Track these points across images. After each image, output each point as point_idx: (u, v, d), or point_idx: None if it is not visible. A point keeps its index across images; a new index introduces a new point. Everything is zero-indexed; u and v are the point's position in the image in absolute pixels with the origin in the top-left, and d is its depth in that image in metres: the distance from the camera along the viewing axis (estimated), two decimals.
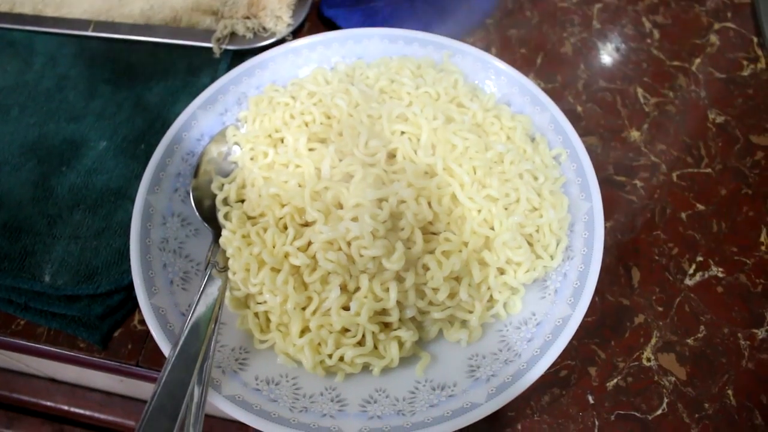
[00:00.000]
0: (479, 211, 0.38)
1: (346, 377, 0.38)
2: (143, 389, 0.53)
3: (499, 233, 0.38)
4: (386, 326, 0.38)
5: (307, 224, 0.40)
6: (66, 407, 0.52)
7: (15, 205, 0.45)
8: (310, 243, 0.38)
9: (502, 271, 0.39)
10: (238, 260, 0.39)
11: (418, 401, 0.36)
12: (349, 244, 0.38)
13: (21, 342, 0.42)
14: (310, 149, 0.42)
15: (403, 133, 0.41)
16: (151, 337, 0.41)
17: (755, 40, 0.55)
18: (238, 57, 0.51)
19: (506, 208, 0.39)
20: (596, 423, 0.39)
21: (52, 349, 0.42)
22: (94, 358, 0.41)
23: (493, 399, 0.35)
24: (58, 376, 0.55)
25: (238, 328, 0.39)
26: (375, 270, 0.37)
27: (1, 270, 0.42)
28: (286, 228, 0.39)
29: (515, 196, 0.39)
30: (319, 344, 0.37)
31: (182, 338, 0.35)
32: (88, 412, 0.52)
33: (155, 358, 0.41)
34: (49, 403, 0.53)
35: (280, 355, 0.38)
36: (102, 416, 0.52)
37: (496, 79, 0.47)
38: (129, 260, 0.41)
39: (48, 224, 0.44)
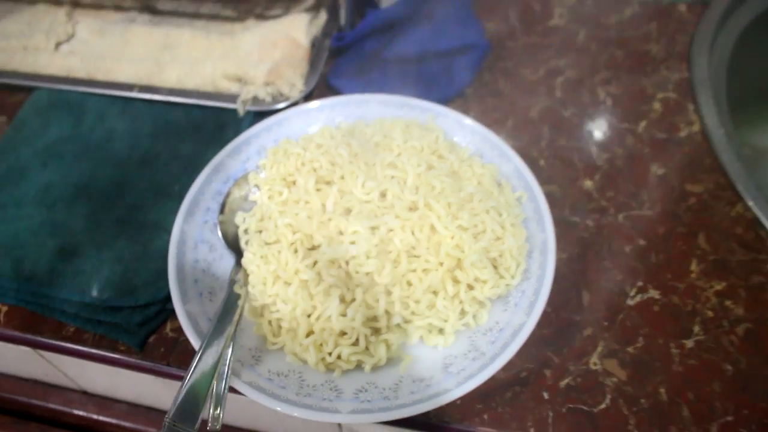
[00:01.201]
0: (452, 237, 0.47)
1: (343, 373, 0.45)
2: (164, 400, 0.61)
3: (468, 255, 0.47)
4: (376, 331, 0.46)
5: (313, 248, 0.48)
6: (96, 416, 0.60)
7: (69, 234, 0.54)
8: (315, 262, 0.47)
9: (471, 287, 0.47)
10: (257, 276, 0.48)
11: (401, 390, 0.44)
12: (347, 262, 0.47)
13: (70, 345, 0.50)
14: (317, 189, 0.51)
15: (393, 177, 0.50)
16: (180, 341, 0.50)
17: (691, 107, 0.65)
18: (258, 116, 0.60)
19: (475, 237, 0.48)
20: (550, 414, 0.46)
21: (96, 351, 0.50)
22: (132, 359, 0.49)
23: (461, 386, 0.42)
24: (90, 388, 0.63)
25: (255, 333, 0.47)
26: (368, 284, 0.46)
27: (56, 285, 0.51)
28: (296, 251, 0.48)
29: (482, 227, 0.48)
30: (321, 344, 0.45)
31: (209, 335, 0.43)
32: (114, 421, 0.60)
33: (183, 359, 0.49)
34: (81, 413, 0.60)
35: (288, 354, 0.46)
36: (128, 424, 0.59)
37: (471, 137, 0.56)
38: (164, 279, 0.50)
39: (96, 249, 0.53)
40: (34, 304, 0.51)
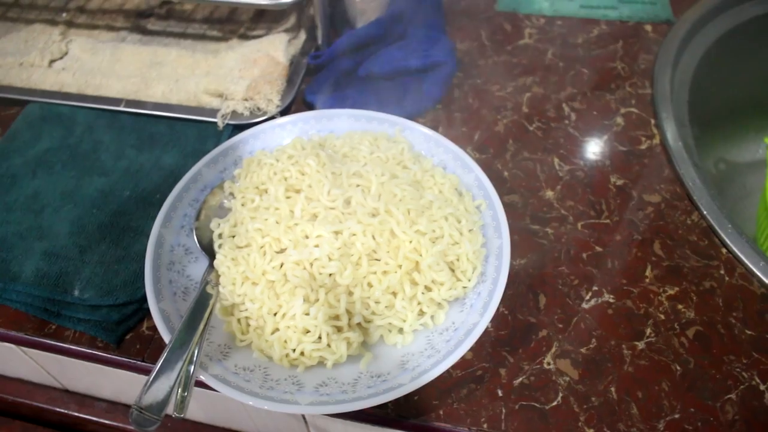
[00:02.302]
0: (410, 241, 0.50)
1: (306, 368, 0.48)
2: None
3: (425, 258, 0.49)
4: (338, 329, 0.49)
5: (281, 251, 0.51)
6: (77, 414, 0.62)
7: (54, 237, 0.57)
8: (282, 264, 0.50)
9: (429, 289, 0.50)
10: (227, 276, 0.51)
11: (359, 385, 0.46)
12: (311, 264, 0.49)
13: (52, 342, 0.53)
14: (287, 197, 0.54)
15: (357, 185, 0.53)
16: (155, 339, 0.53)
17: (652, 121, 0.68)
18: (237, 129, 0.64)
19: (433, 241, 0.51)
20: (503, 411, 0.48)
21: (76, 347, 0.53)
22: (109, 355, 0.52)
23: (414, 380, 0.45)
24: (71, 387, 0.66)
25: (224, 330, 0.50)
26: (330, 285, 0.49)
27: (40, 285, 0.53)
28: (265, 254, 0.51)
29: (440, 232, 0.51)
30: (286, 341, 0.48)
31: (180, 327, 0.46)
32: (95, 418, 0.62)
33: (157, 355, 0.51)
34: (63, 410, 0.63)
35: (255, 350, 0.49)
36: (107, 422, 0.62)
37: (435, 149, 0.59)
38: (142, 280, 0.52)
39: (79, 252, 0.56)
40: (18, 303, 0.54)
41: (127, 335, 0.53)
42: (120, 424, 0.62)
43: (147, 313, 0.54)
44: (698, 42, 0.77)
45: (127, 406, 0.64)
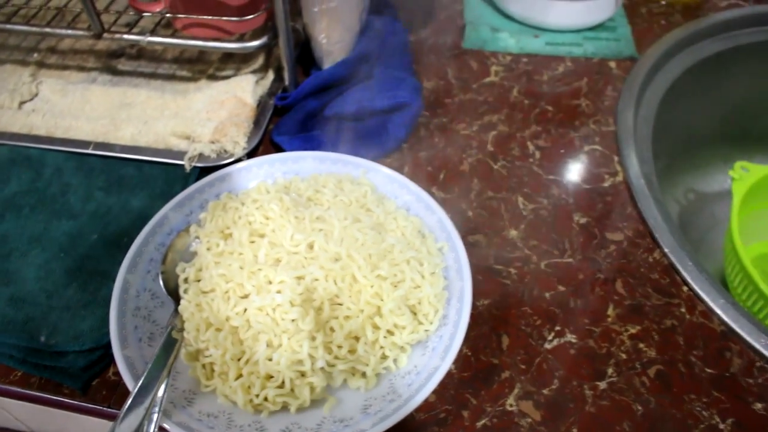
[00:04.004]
0: (372, 286, 0.50)
1: (270, 414, 0.48)
2: None
3: (387, 303, 0.50)
4: (302, 374, 0.49)
5: (244, 296, 0.52)
6: None
7: (21, 282, 0.57)
8: (245, 309, 0.50)
9: (391, 333, 0.51)
10: (191, 322, 0.51)
11: (322, 430, 0.47)
12: (274, 310, 0.50)
13: (16, 389, 0.53)
14: (251, 241, 0.55)
15: (321, 230, 0.54)
16: (122, 384, 0.53)
17: (616, 158, 0.69)
18: (204, 172, 0.64)
19: (394, 285, 0.51)
20: None
21: (41, 394, 0.53)
22: (75, 402, 0.52)
23: (375, 426, 0.45)
24: (42, 430, 0.65)
25: (189, 375, 0.50)
26: (293, 330, 0.49)
27: (6, 331, 0.53)
28: (228, 299, 0.52)
29: (401, 276, 0.52)
30: (249, 387, 0.49)
31: (143, 376, 0.46)
32: None
33: (123, 401, 0.52)
34: None
35: (219, 396, 0.49)
36: None
37: (399, 191, 0.60)
38: (108, 324, 0.53)
39: (46, 297, 0.56)
40: None
41: (93, 381, 0.53)
42: None
43: (113, 359, 0.54)
44: (662, 77, 0.79)
45: None
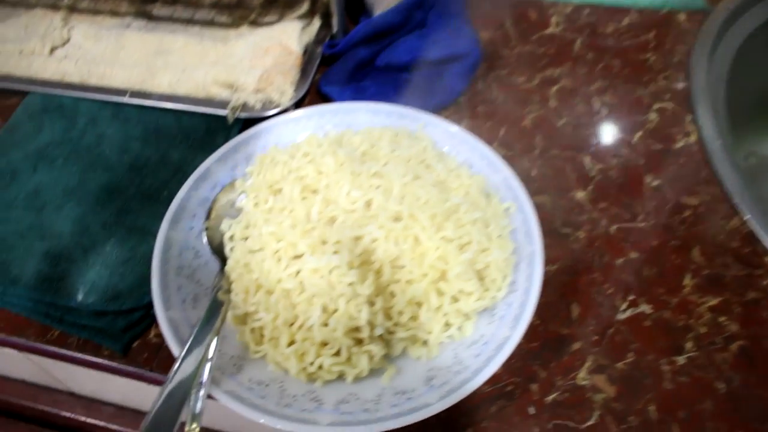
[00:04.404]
0: (437, 249, 0.46)
1: (324, 383, 0.45)
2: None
3: (453, 267, 0.46)
4: (359, 342, 0.46)
5: (297, 257, 0.48)
6: (83, 418, 0.59)
7: (56, 237, 0.53)
8: (298, 271, 0.46)
9: (456, 300, 0.47)
10: (240, 284, 0.47)
11: (382, 402, 0.43)
12: (330, 272, 0.46)
13: (54, 349, 0.50)
14: (303, 198, 0.50)
15: (378, 186, 0.50)
16: (164, 347, 0.50)
17: (689, 118, 0.64)
18: (248, 123, 0.60)
19: (460, 248, 0.47)
20: (536, 430, 0.45)
21: (80, 355, 0.50)
22: (115, 364, 0.49)
23: (443, 400, 0.41)
24: (77, 390, 0.63)
25: (237, 340, 0.47)
26: (351, 294, 0.45)
27: (42, 289, 0.50)
28: (279, 260, 0.48)
29: (468, 238, 0.48)
30: (303, 354, 0.45)
31: (190, 342, 0.43)
32: (102, 423, 0.59)
33: (166, 365, 0.49)
34: (69, 414, 0.59)
35: (270, 363, 0.46)
36: (114, 426, 0.59)
37: (460, 146, 0.56)
38: (149, 284, 0.49)
39: (83, 253, 0.52)
40: (19, 307, 0.51)
41: (134, 343, 0.50)
42: (128, 430, 0.59)
43: (155, 320, 0.51)
44: (734, 33, 0.73)
45: (136, 412, 0.61)
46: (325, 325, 0.45)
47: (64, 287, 0.51)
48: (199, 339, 0.43)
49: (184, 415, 0.40)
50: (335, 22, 0.64)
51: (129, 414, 0.61)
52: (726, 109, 0.66)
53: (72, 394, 0.63)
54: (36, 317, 0.51)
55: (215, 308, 0.46)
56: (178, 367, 0.41)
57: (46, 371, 0.60)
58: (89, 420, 0.60)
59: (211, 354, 0.43)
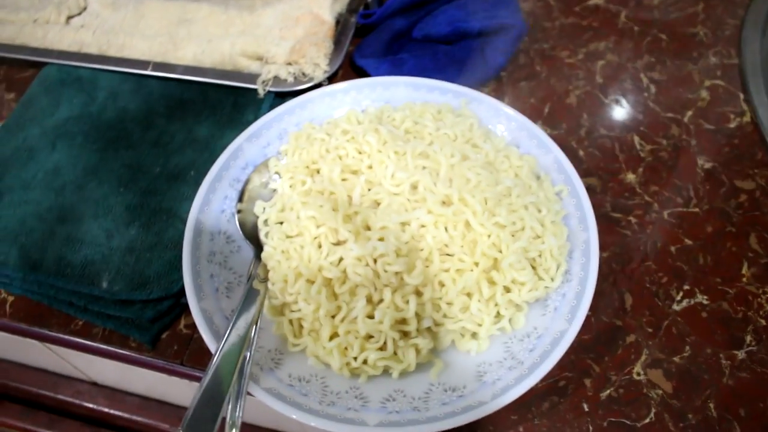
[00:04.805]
0: (489, 236, 0.43)
1: (369, 379, 0.42)
2: (177, 394, 0.58)
3: (506, 256, 0.43)
4: (405, 335, 0.43)
5: (339, 243, 0.45)
6: (106, 409, 0.57)
7: (77, 220, 0.51)
8: (341, 259, 0.44)
9: (508, 290, 0.44)
10: (278, 272, 0.44)
11: (431, 400, 0.41)
12: (375, 260, 0.43)
13: (78, 340, 0.47)
14: (343, 179, 0.47)
15: (424, 167, 0.47)
16: (195, 339, 0.47)
17: (741, 96, 0.60)
18: (279, 98, 0.57)
19: (513, 235, 0.44)
20: (590, 428, 0.43)
21: (106, 347, 0.47)
22: (143, 357, 0.46)
23: (497, 398, 0.39)
24: (100, 380, 0.60)
25: (274, 333, 0.44)
26: (397, 284, 0.43)
27: (64, 276, 0.48)
28: (320, 246, 0.45)
29: (521, 224, 0.45)
30: (346, 348, 0.42)
31: (227, 336, 0.40)
32: (126, 415, 0.57)
33: (197, 358, 0.46)
34: (91, 405, 0.57)
35: (310, 357, 0.43)
36: (139, 419, 0.57)
37: (507, 124, 0.52)
38: (178, 271, 0.47)
39: (107, 237, 0.50)
40: (40, 295, 0.48)
41: (162, 334, 0.47)
42: (153, 422, 0.57)
43: (185, 309, 0.48)
44: None
45: (161, 403, 0.59)
46: (370, 317, 0.42)
47: (88, 274, 0.48)
48: (236, 332, 0.41)
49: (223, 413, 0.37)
50: None
51: (154, 405, 0.58)
52: None
53: (94, 384, 0.60)
54: (58, 306, 0.48)
55: (251, 298, 0.43)
56: (217, 362, 0.39)
57: (68, 361, 0.57)
58: (112, 411, 0.57)
59: (250, 348, 0.41)
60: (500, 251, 0.43)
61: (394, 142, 0.47)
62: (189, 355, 0.46)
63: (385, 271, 0.42)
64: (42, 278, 0.47)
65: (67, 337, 0.48)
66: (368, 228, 0.44)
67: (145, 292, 0.47)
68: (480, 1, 0.59)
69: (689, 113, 0.59)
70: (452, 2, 0.60)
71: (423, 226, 0.44)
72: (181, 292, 0.47)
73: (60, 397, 0.58)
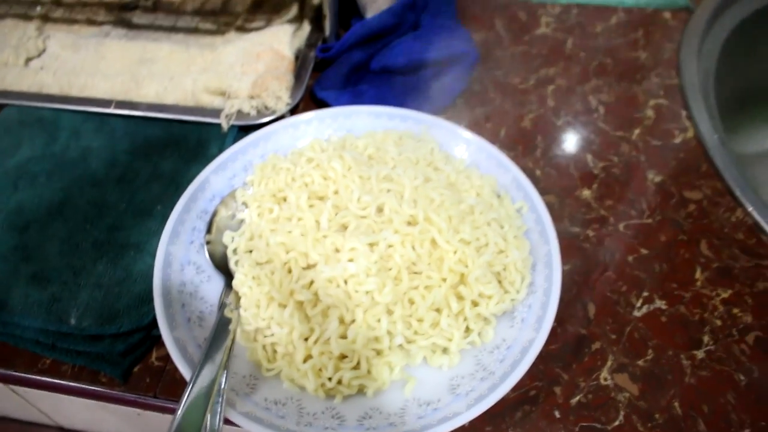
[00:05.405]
0: (455, 252, 0.45)
1: (344, 399, 0.43)
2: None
3: (472, 270, 0.44)
4: (378, 353, 0.44)
5: (309, 267, 0.46)
6: None
7: (43, 259, 0.50)
8: (312, 282, 0.44)
9: (476, 304, 0.45)
10: (249, 298, 0.45)
11: (407, 415, 0.41)
12: (346, 281, 0.44)
13: (47, 379, 0.47)
14: (310, 205, 0.48)
15: (389, 190, 0.48)
16: (167, 371, 0.47)
17: (684, 113, 0.64)
18: (243, 131, 0.58)
19: (477, 250, 0.46)
20: None
21: (76, 384, 0.46)
22: (115, 392, 0.46)
23: (472, 408, 0.40)
24: (67, 425, 0.59)
25: (248, 359, 0.44)
26: (368, 304, 0.44)
27: (30, 314, 0.47)
28: (290, 271, 0.46)
29: (485, 240, 0.46)
30: (320, 369, 0.43)
31: (201, 363, 0.40)
32: None
33: (171, 390, 0.46)
34: None
35: (285, 380, 0.43)
36: None
37: (467, 147, 0.54)
38: (148, 304, 0.47)
39: (74, 274, 0.49)
40: (5, 335, 0.47)
41: (134, 368, 0.47)
42: None
43: (156, 342, 0.48)
44: (718, 30, 0.74)
45: None
46: (343, 337, 0.43)
47: (55, 311, 0.47)
48: (209, 358, 0.41)
49: None
50: (328, 24, 0.62)
51: None
52: (716, 104, 0.67)
53: (61, 429, 0.59)
54: (24, 345, 0.47)
55: (223, 325, 0.44)
56: (191, 389, 0.39)
57: (33, 405, 0.56)
58: None
59: (224, 374, 0.41)
60: (466, 266, 0.45)
61: (358, 167, 0.49)
62: (162, 387, 0.46)
63: (356, 291, 0.43)
64: (7, 318, 0.47)
65: (34, 377, 0.47)
66: (338, 250, 0.45)
67: (115, 326, 0.46)
68: (434, 33, 0.62)
69: (637, 131, 0.62)
70: (407, 34, 0.62)
71: (391, 245, 0.45)
72: (152, 324, 0.47)
73: None
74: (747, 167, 0.92)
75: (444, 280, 0.44)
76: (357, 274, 0.43)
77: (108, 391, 0.46)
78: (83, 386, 0.46)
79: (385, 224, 0.46)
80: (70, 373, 0.47)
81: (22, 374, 0.47)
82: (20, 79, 0.61)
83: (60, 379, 0.47)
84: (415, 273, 0.45)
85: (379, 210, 0.47)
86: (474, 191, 0.50)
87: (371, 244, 0.45)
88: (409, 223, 0.46)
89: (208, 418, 0.38)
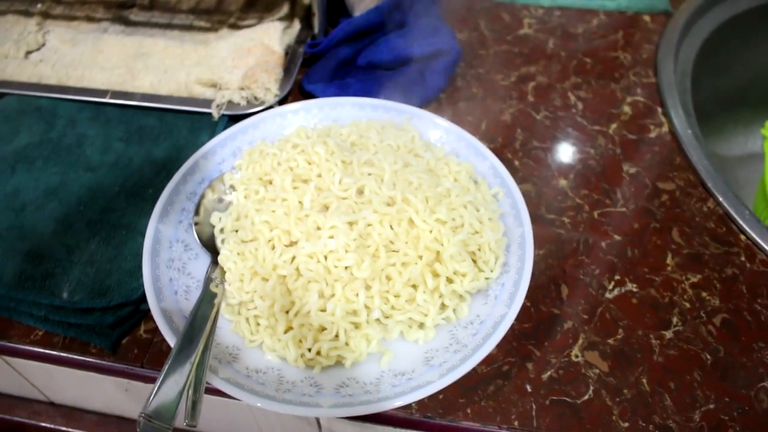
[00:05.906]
0: (431, 231, 0.47)
1: (323, 369, 0.44)
2: (136, 410, 0.59)
3: (447, 248, 0.46)
4: (356, 326, 0.46)
5: (291, 244, 0.48)
6: (64, 428, 0.57)
7: (37, 237, 0.52)
8: (294, 257, 0.46)
9: (451, 281, 0.47)
10: (234, 273, 0.47)
11: (383, 384, 0.43)
12: (326, 257, 0.46)
13: (39, 349, 0.48)
14: (294, 187, 0.50)
15: (370, 174, 0.50)
16: (155, 343, 0.49)
17: (660, 110, 0.66)
18: (233, 120, 0.60)
19: (453, 230, 0.48)
20: (533, 407, 0.46)
21: (66, 355, 0.48)
22: (104, 362, 0.48)
23: (443, 377, 0.42)
24: (58, 399, 0.60)
25: (232, 331, 0.46)
26: (347, 279, 0.46)
27: (24, 288, 0.49)
28: (273, 248, 0.48)
29: (460, 221, 0.48)
30: (300, 340, 0.45)
31: (186, 328, 0.42)
32: None
33: (158, 361, 0.48)
34: (48, 425, 0.57)
35: (267, 351, 0.45)
36: None
37: (446, 137, 0.57)
38: (138, 280, 0.49)
39: (67, 252, 0.51)
40: (0, 308, 0.49)
41: (123, 339, 0.49)
42: None
43: (144, 316, 0.50)
44: (696, 33, 0.76)
45: (120, 418, 0.59)
46: (323, 310, 0.45)
47: (48, 286, 0.49)
48: (194, 328, 0.43)
49: (183, 407, 0.39)
50: (317, 22, 0.65)
51: (113, 421, 0.59)
52: (693, 103, 0.69)
53: (52, 404, 0.60)
54: (18, 317, 0.49)
55: (209, 299, 0.46)
56: (175, 356, 0.40)
57: (25, 378, 0.57)
58: (70, 430, 0.58)
59: (209, 342, 0.43)
60: (441, 244, 0.47)
61: (341, 153, 0.51)
62: (149, 357, 0.48)
63: (336, 267, 0.45)
64: (2, 291, 0.49)
65: (27, 347, 0.48)
66: (319, 228, 0.47)
67: (105, 300, 0.48)
68: (419, 30, 0.65)
69: (614, 126, 0.64)
70: (392, 32, 0.65)
71: (369, 224, 0.47)
72: (141, 299, 0.48)
73: (16, 419, 0.58)
74: (729, 170, 0.94)
75: (420, 257, 0.46)
76: (336, 249, 0.45)
77: (97, 361, 0.48)
78: (73, 356, 0.48)
79: (365, 205, 0.48)
80: (62, 345, 0.49)
81: (16, 345, 0.49)
82: (20, 71, 0.63)
83: (51, 350, 0.48)
84: (393, 251, 0.47)
85: (360, 192, 0.49)
86: (452, 176, 0.53)
87: (351, 223, 0.47)
88: (387, 204, 0.48)
89: (191, 381, 0.40)
